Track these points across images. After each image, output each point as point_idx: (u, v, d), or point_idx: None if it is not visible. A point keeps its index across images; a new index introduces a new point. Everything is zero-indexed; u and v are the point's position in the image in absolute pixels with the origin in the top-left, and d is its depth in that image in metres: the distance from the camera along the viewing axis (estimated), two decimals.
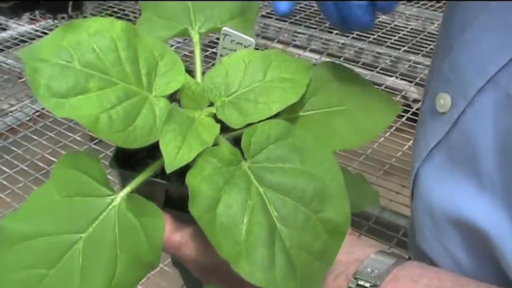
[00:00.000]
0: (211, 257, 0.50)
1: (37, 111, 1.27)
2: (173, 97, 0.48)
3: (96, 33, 0.46)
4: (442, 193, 0.49)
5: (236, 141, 0.47)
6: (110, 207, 0.45)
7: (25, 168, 1.09)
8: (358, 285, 0.46)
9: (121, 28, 0.47)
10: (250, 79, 0.49)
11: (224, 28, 0.50)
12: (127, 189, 0.46)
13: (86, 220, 0.45)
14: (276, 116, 0.47)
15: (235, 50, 0.51)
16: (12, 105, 1.30)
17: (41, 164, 1.11)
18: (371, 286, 0.46)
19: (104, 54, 0.46)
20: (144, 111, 0.46)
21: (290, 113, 0.49)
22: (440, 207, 0.49)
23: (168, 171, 0.43)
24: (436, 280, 0.46)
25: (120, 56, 0.46)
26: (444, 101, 0.48)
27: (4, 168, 1.09)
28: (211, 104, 0.49)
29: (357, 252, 0.50)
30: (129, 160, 0.50)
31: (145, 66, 0.47)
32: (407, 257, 0.52)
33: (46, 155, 1.13)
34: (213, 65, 0.51)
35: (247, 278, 0.41)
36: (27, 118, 1.27)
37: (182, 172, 0.45)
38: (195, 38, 0.52)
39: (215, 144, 0.46)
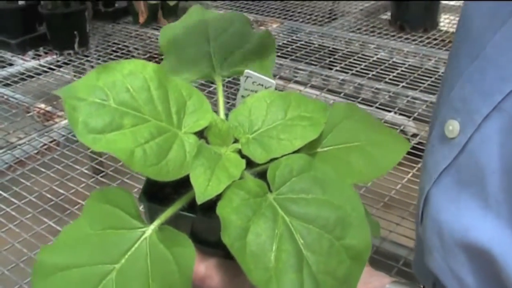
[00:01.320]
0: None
1: (45, 144, 1.28)
2: (201, 134, 0.51)
3: (130, 74, 0.49)
4: (450, 214, 0.52)
5: (260, 176, 0.50)
6: (142, 238, 0.47)
7: (34, 199, 1.10)
8: None
9: (153, 69, 0.50)
10: (272, 117, 0.52)
11: (247, 70, 0.54)
12: (158, 221, 0.48)
13: (118, 251, 0.46)
14: (296, 152, 0.51)
15: (256, 91, 0.54)
16: (21, 138, 1.31)
17: (48, 196, 1.12)
18: None
19: (137, 94, 0.49)
20: (175, 147, 0.48)
21: (309, 149, 0.52)
22: (448, 227, 0.52)
23: (199, 202, 0.46)
24: None
25: (152, 95, 0.49)
26: (452, 127, 0.52)
27: (13, 199, 1.09)
28: (236, 141, 0.51)
29: (374, 282, 0.52)
30: (156, 195, 0.52)
31: (175, 105, 0.50)
32: (421, 286, 0.54)
33: (54, 187, 1.14)
34: (232, 104, 0.54)
35: None
36: (35, 151, 1.28)
37: (208, 206, 0.47)
38: (218, 81, 0.56)
39: (241, 178, 0.49)
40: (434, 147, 0.55)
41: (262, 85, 0.54)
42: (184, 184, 0.49)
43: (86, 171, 1.21)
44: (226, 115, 0.54)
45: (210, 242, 0.51)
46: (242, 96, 0.54)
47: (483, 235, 0.49)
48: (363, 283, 0.52)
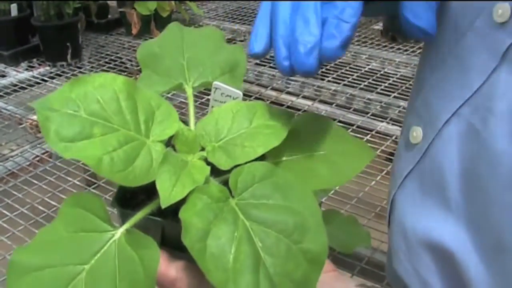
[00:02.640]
0: None
1: (37, 156, 1.30)
2: (168, 143, 0.54)
3: (100, 86, 0.52)
4: (414, 217, 0.54)
5: (226, 183, 0.52)
6: (111, 241, 0.49)
7: (25, 211, 1.11)
8: None
9: (122, 82, 0.53)
10: (237, 126, 0.54)
11: (215, 82, 0.56)
12: (127, 225, 0.50)
13: (89, 253, 0.49)
14: (262, 161, 0.53)
15: (225, 102, 0.57)
16: (13, 150, 1.33)
17: (40, 208, 1.13)
18: None
19: (107, 104, 0.52)
20: (142, 154, 0.51)
21: (274, 158, 0.54)
22: (412, 230, 0.54)
23: (163, 206, 0.48)
24: None
25: (121, 106, 0.52)
26: (416, 133, 0.54)
27: (4, 212, 1.11)
28: (203, 149, 0.54)
29: (339, 286, 0.54)
30: (129, 202, 0.55)
31: (143, 115, 0.53)
32: None
33: (46, 199, 1.16)
34: (203, 114, 0.56)
35: None
36: (27, 163, 1.30)
37: (177, 211, 0.50)
38: (189, 92, 0.58)
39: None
40: (400, 153, 0.57)
41: (230, 96, 0.56)
42: (156, 191, 0.52)
43: (78, 182, 1.23)
44: None
45: (180, 246, 0.54)
46: (212, 107, 0.57)
47: (445, 236, 0.51)
48: (329, 287, 0.54)
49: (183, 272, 0.54)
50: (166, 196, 0.49)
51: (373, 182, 1.12)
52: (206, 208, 0.48)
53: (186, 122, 0.56)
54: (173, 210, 0.51)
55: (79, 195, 0.51)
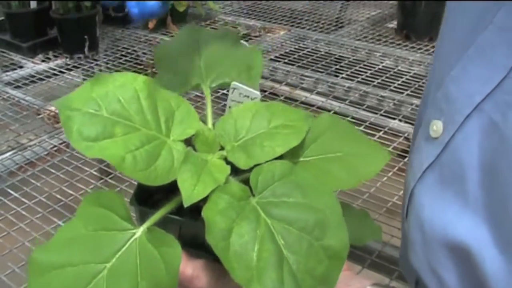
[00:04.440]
0: None
1: (55, 146, 1.30)
2: (188, 142, 0.54)
3: (121, 86, 0.53)
4: (432, 210, 0.55)
5: (245, 182, 0.53)
6: (132, 239, 0.50)
7: (43, 199, 1.12)
8: None
9: (142, 81, 0.53)
10: (256, 126, 0.55)
11: (234, 83, 0.57)
12: (147, 223, 0.51)
13: (110, 251, 0.49)
14: (280, 159, 0.53)
15: (242, 102, 0.57)
16: (31, 140, 1.33)
17: (58, 196, 1.14)
18: None
19: (128, 104, 0.52)
20: (163, 154, 0.51)
21: (292, 158, 0.55)
22: (430, 222, 0.55)
23: (185, 204, 0.49)
24: None
25: (142, 105, 0.53)
26: (436, 127, 0.54)
27: (23, 199, 1.12)
28: (222, 149, 0.55)
29: (355, 284, 0.55)
30: (147, 201, 0.55)
31: (164, 115, 0.53)
32: None
33: (64, 187, 1.16)
34: (220, 115, 0.57)
35: None
36: (45, 153, 1.30)
37: (195, 210, 0.50)
38: (206, 92, 0.59)
39: (226, 183, 0.52)
40: (420, 147, 0.58)
41: (248, 96, 0.57)
42: (173, 190, 0.52)
43: (94, 172, 1.24)
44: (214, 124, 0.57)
45: (197, 245, 0.54)
46: (229, 107, 0.57)
47: (461, 231, 0.51)
48: (344, 285, 0.55)
49: (200, 271, 0.55)
50: (188, 195, 0.49)
51: (385, 178, 1.12)
52: (228, 207, 0.49)
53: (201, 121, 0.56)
54: (190, 210, 0.52)
55: (98, 193, 0.52)
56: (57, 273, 0.48)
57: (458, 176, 0.52)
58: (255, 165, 0.52)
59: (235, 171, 0.53)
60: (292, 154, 0.55)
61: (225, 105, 0.57)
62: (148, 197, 0.56)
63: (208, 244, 0.48)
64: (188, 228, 0.54)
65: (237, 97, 0.57)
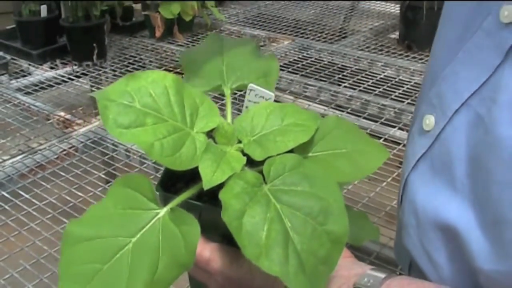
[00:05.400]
0: (235, 270, 0.60)
1: (64, 150, 1.35)
2: (210, 135, 0.60)
3: (153, 82, 0.59)
4: (424, 195, 0.61)
5: (258, 173, 0.59)
6: (156, 218, 0.55)
7: (53, 201, 1.16)
8: None
9: (172, 79, 0.60)
10: (270, 123, 0.61)
11: (250, 84, 0.64)
12: (170, 204, 0.56)
13: (136, 228, 0.55)
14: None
15: (258, 102, 0.64)
16: (41, 144, 1.38)
17: (68, 198, 1.18)
18: None
19: (158, 98, 0.59)
20: (187, 143, 0.58)
21: (302, 154, 0.61)
22: (422, 207, 0.61)
23: (205, 188, 0.55)
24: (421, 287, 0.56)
25: (170, 100, 0.59)
26: (429, 121, 0.61)
27: (34, 201, 1.16)
28: (239, 142, 0.61)
29: (357, 269, 0.60)
30: (170, 189, 0.61)
31: (189, 109, 0.60)
32: (397, 273, 0.62)
33: (73, 190, 1.21)
34: (238, 115, 0.63)
35: (267, 270, 0.51)
36: (55, 156, 1.35)
37: (212, 199, 0.56)
38: (227, 92, 0.66)
39: None
40: (414, 139, 0.64)
41: (263, 97, 0.63)
42: (194, 180, 0.58)
43: (103, 175, 1.28)
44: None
45: (215, 231, 0.60)
46: (246, 107, 0.64)
47: (450, 214, 0.57)
48: (346, 269, 0.60)
49: (216, 253, 0.61)
50: (208, 180, 0.55)
51: (384, 183, 1.16)
52: (243, 191, 0.55)
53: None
54: (210, 198, 0.58)
55: (129, 176, 0.58)
56: (88, 244, 0.54)
57: (448, 165, 0.58)
58: (268, 157, 0.58)
59: (251, 163, 0.59)
60: (302, 150, 0.61)
61: (241, 107, 0.64)
62: (171, 186, 0.62)
63: (224, 231, 0.53)
64: (207, 214, 0.60)
65: (253, 98, 0.64)
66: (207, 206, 0.59)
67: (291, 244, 0.53)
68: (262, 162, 0.58)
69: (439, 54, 0.64)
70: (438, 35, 0.66)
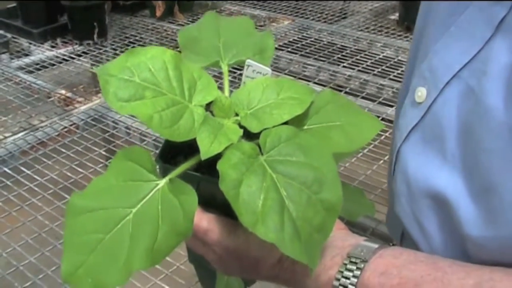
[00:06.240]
0: (232, 240, 0.62)
1: (65, 127, 1.37)
2: (208, 108, 0.62)
3: (152, 57, 0.61)
4: (416, 165, 0.62)
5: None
6: (156, 189, 0.57)
7: (54, 177, 1.19)
8: (351, 261, 0.58)
9: (170, 54, 0.62)
10: (266, 97, 0.63)
11: (248, 60, 0.65)
12: (169, 176, 0.58)
13: (136, 198, 0.57)
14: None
15: (255, 78, 0.65)
16: (42, 121, 1.40)
17: (68, 174, 1.21)
18: (361, 261, 0.58)
19: (157, 73, 0.61)
20: (186, 115, 0.59)
21: (297, 127, 0.62)
22: (414, 176, 0.62)
23: (203, 158, 0.56)
24: (413, 256, 0.58)
25: (169, 75, 0.61)
26: (421, 93, 0.62)
27: (35, 177, 1.19)
28: (236, 115, 0.62)
29: (351, 240, 0.62)
30: (169, 161, 0.63)
31: (187, 83, 0.61)
32: (391, 244, 0.64)
33: (74, 166, 1.24)
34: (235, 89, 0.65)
35: (263, 237, 0.53)
36: (56, 134, 1.38)
37: (210, 171, 0.58)
38: (224, 68, 0.67)
39: None
40: (406, 111, 0.65)
41: (260, 72, 0.65)
42: (193, 153, 0.60)
43: (103, 152, 1.30)
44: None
45: (212, 202, 0.62)
46: (244, 82, 0.65)
47: (440, 183, 0.59)
48: (341, 240, 0.62)
49: (214, 224, 0.62)
50: (206, 150, 0.57)
51: (381, 161, 1.18)
52: (240, 162, 0.57)
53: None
54: (208, 171, 0.60)
55: (130, 149, 0.60)
56: (90, 215, 0.56)
57: (438, 135, 0.59)
58: (264, 129, 0.60)
59: (247, 136, 0.61)
60: (297, 123, 0.62)
61: (238, 85, 0.65)
62: (171, 159, 0.64)
63: (221, 202, 0.55)
64: (205, 184, 0.61)
65: (251, 73, 0.65)
66: (205, 176, 0.60)
67: (287, 212, 0.54)
68: (258, 135, 0.60)
69: (429, 30, 0.65)
70: (425, 11, 0.68)
